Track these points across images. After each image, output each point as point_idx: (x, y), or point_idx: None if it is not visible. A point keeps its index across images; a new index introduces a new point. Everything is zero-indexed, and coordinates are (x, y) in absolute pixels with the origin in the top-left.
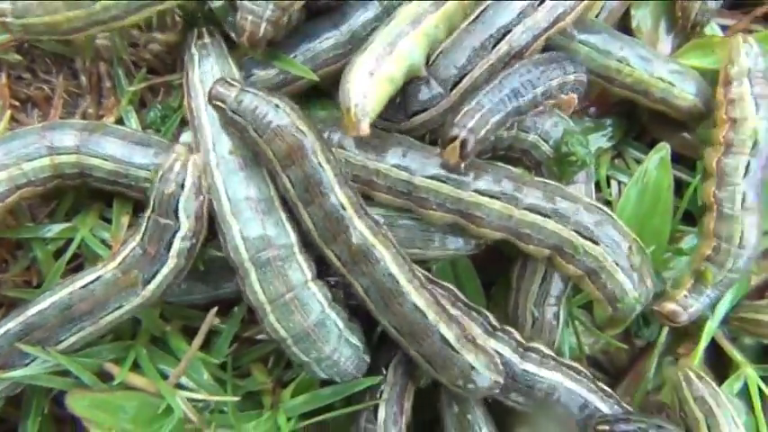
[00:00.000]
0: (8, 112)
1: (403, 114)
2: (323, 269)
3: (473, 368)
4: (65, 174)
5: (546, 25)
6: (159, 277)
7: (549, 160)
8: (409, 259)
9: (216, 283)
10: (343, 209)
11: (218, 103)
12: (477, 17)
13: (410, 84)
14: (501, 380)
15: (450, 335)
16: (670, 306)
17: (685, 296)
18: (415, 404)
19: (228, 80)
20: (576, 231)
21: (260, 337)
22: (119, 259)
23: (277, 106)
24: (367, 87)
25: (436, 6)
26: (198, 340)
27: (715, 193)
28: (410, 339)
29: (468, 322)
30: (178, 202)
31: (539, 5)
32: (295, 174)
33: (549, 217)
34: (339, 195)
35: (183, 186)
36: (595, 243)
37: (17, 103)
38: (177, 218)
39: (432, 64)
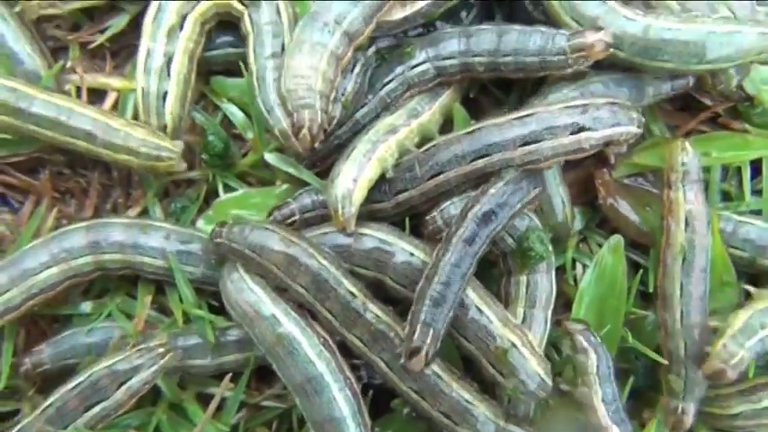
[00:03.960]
0: (54, 210)
1: (388, 194)
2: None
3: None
4: (108, 268)
5: (519, 162)
6: None
7: (513, 252)
8: None
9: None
10: (354, 297)
11: (218, 239)
12: (471, 131)
13: (397, 167)
14: None
15: (464, 394)
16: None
17: None
18: None
19: (223, 221)
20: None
21: (265, 403)
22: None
23: (266, 228)
24: (351, 192)
25: (410, 119)
26: (212, 407)
27: (660, 283)
28: (431, 400)
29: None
30: None
31: (519, 146)
32: (304, 279)
33: None
34: (348, 286)
35: None
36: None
37: (57, 195)
38: None
39: (424, 151)
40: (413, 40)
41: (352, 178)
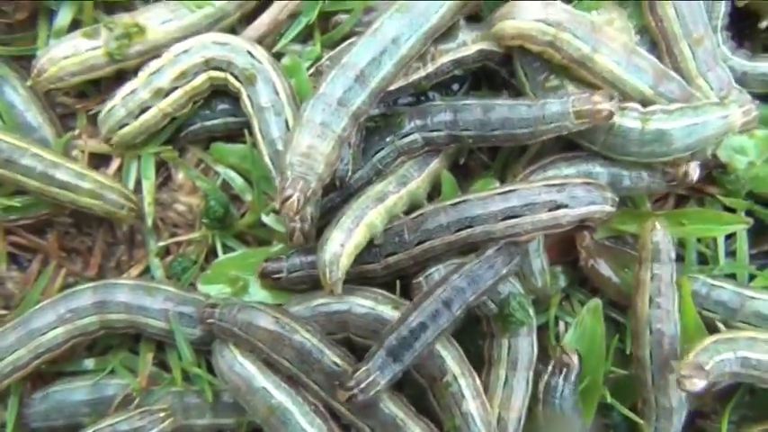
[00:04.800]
0: (63, 271)
1: (378, 256)
2: None
3: None
4: (113, 327)
5: (500, 235)
6: None
7: (495, 316)
8: (402, 397)
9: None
10: (338, 366)
11: (209, 320)
12: (456, 203)
13: (387, 231)
14: None
15: None
16: None
17: None
18: None
19: (212, 302)
20: None
21: None
22: None
23: (252, 308)
24: (338, 258)
25: (399, 187)
26: None
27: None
28: None
29: None
30: None
31: (500, 220)
32: (289, 353)
33: None
34: (331, 356)
35: None
36: None
37: (64, 254)
38: None
39: (413, 218)
40: (403, 109)
41: (340, 244)
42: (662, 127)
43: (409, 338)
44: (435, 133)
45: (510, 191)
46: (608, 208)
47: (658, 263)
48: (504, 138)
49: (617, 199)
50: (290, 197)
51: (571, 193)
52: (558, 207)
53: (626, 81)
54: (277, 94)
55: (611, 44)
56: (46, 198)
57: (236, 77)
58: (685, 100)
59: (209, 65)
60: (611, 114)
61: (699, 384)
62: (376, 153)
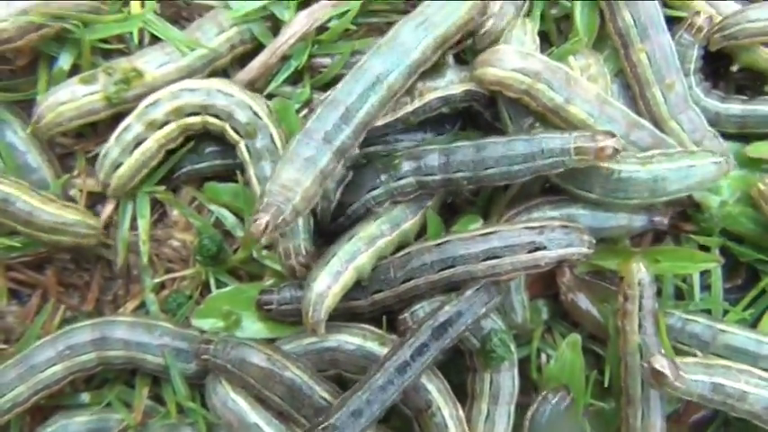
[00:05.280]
0: (62, 308)
1: (365, 293)
2: None
3: None
4: (111, 363)
5: (482, 275)
6: None
7: (477, 351)
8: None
9: None
10: (328, 402)
11: (204, 356)
12: (439, 244)
13: (374, 270)
14: None
15: None
16: None
17: None
18: None
19: (207, 339)
20: None
21: None
22: None
23: (245, 345)
24: (323, 299)
25: (392, 230)
26: None
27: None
28: None
29: None
30: None
31: (481, 261)
32: (280, 390)
33: None
34: (320, 392)
35: None
36: None
37: (62, 289)
38: None
39: (399, 257)
40: (401, 150)
41: (327, 286)
42: (662, 168)
43: (373, 397)
44: (429, 177)
45: (491, 232)
46: (585, 250)
47: (645, 298)
48: (500, 176)
49: (594, 241)
50: (258, 220)
51: (549, 236)
52: (537, 249)
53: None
54: (274, 143)
55: (584, 95)
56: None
57: (235, 130)
58: (657, 146)
59: (207, 110)
60: (615, 152)
61: (667, 378)
62: (370, 190)
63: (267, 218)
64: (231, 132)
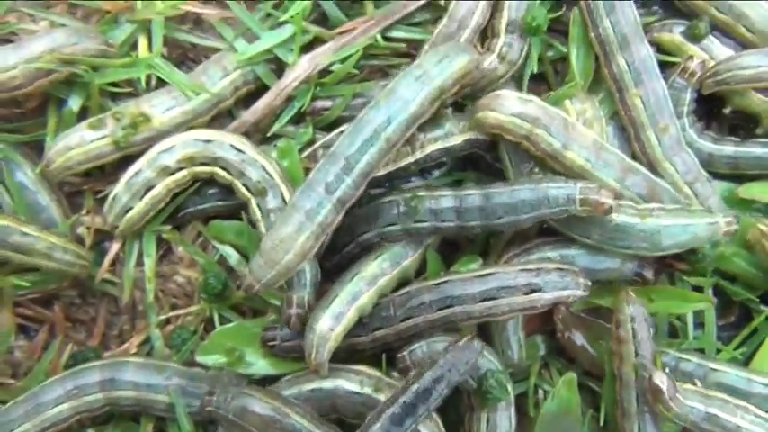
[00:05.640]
0: (69, 346)
1: (365, 330)
2: None
3: None
4: (119, 404)
5: (478, 315)
6: None
7: (474, 391)
8: None
9: None
10: None
11: (208, 407)
12: (438, 283)
13: (376, 306)
14: None
15: None
16: None
17: None
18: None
19: (212, 390)
20: None
21: None
22: None
23: (245, 394)
24: (326, 341)
25: (393, 268)
26: None
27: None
28: None
29: None
30: None
31: (479, 301)
32: None
33: None
34: None
35: None
36: None
37: (69, 324)
38: None
39: (399, 295)
40: (422, 192)
41: (330, 327)
42: (659, 223)
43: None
44: (445, 224)
45: (488, 274)
46: (580, 293)
47: (637, 324)
48: (509, 224)
49: (589, 283)
50: (250, 284)
51: (546, 278)
52: (534, 291)
53: (595, 176)
54: (284, 200)
55: (581, 141)
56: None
57: (246, 186)
58: (651, 191)
59: (218, 163)
60: (610, 210)
61: (663, 395)
62: (387, 225)
63: (258, 286)
64: (242, 188)
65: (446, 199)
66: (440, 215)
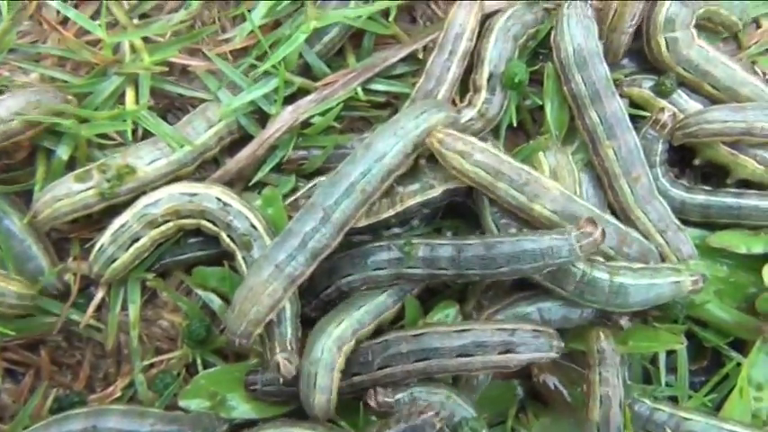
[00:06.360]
0: (55, 390)
1: (344, 375)
2: None
3: None
4: None
5: (453, 370)
6: None
7: None
8: None
9: None
10: None
11: None
12: (417, 335)
13: (354, 351)
14: None
15: None
16: None
17: None
18: None
19: None
20: None
21: None
22: None
23: None
24: (329, 403)
25: (374, 319)
26: None
27: None
28: None
29: None
30: None
31: (455, 357)
32: None
33: None
34: None
35: None
36: None
37: (55, 368)
38: None
39: (377, 343)
40: (417, 239)
41: (327, 399)
42: (625, 282)
43: None
44: (441, 271)
45: (466, 330)
46: (552, 354)
47: (605, 367)
48: (510, 273)
49: (562, 345)
50: (233, 336)
51: (520, 339)
52: (507, 351)
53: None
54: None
55: (547, 194)
56: None
57: (231, 238)
58: (622, 241)
59: (204, 215)
60: (603, 237)
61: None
62: (376, 269)
63: (236, 340)
64: (227, 240)
65: (444, 248)
66: (435, 263)
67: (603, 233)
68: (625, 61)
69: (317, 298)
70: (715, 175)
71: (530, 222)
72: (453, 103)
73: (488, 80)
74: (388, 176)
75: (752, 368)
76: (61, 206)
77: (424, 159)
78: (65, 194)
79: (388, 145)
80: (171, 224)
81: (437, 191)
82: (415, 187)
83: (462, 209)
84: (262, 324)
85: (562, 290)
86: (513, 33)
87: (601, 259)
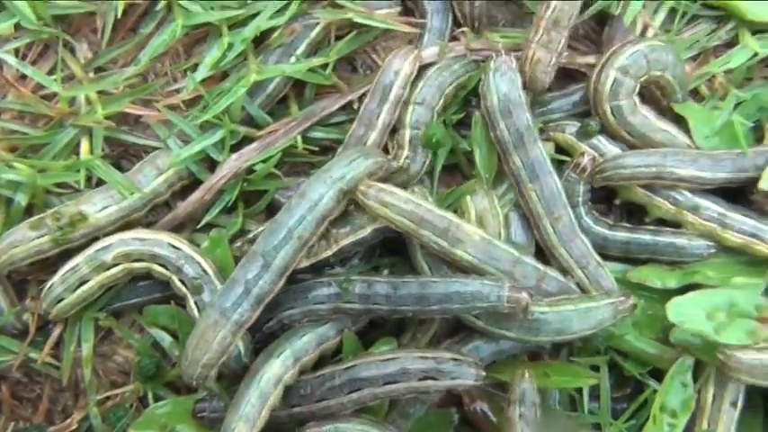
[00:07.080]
0: (12, 424)
1: (284, 406)
2: None
3: None
4: None
5: (383, 396)
6: None
7: None
8: None
9: None
10: None
11: None
12: (347, 368)
13: (288, 388)
14: None
15: None
16: None
17: None
18: None
19: None
20: None
21: None
22: None
23: None
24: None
25: (316, 350)
26: None
27: None
28: None
29: None
30: None
31: (382, 385)
32: None
33: None
34: None
35: None
36: None
37: (15, 402)
38: None
39: (315, 377)
40: (354, 276)
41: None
42: (568, 310)
43: None
44: (377, 306)
45: (390, 359)
46: (470, 382)
47: (524, 405)
48: (441, 312)
49: (483, 374)
50: (190, 380)
51: (440, 367)
52: (427, 378)
53: (485, 270)
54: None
55: (469, 239)
56: None
57: (182, 282)
58: (541, 280)
59: (155, 260)
60: (527, 307)
61: None
62: (316, 303)
63: (193, 382)
64: (179, 284)
65: (380, 285)
66: (371, 299)
67: (528, 305)
68: (554, 105)
69: (260, 331)
70: (638, 212)
71: (453, 265)
72: (385, 148)
73: (409, 141)
74: (322, 222)
75: (666, 396)
76: (17, 252)
77: (353, 205)
78: (20, 241)
79: (319, 193)
80: (121, 267)
81: (366, 230)
82: (347, 229)
83: (398, 245)
84: (215, 367)
85: (507, 332)
86: (439, 83)
87: (540, 297)
